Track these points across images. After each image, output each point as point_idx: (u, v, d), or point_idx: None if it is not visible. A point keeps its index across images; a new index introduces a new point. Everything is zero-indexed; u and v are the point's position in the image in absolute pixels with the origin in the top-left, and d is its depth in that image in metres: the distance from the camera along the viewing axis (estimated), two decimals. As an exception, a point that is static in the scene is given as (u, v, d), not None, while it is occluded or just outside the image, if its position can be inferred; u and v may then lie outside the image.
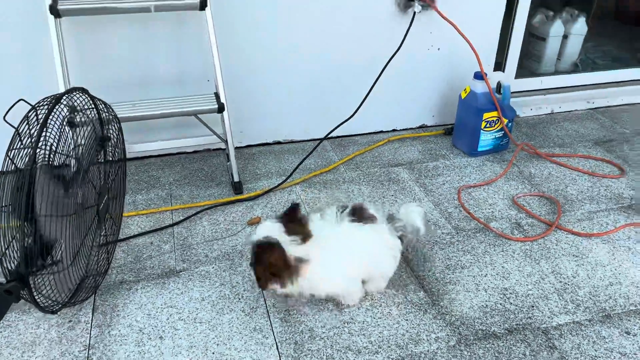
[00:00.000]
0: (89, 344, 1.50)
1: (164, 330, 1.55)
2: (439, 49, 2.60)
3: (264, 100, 2.48)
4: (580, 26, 3.36)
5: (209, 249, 1.89)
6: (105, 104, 1.63)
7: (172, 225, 2.01)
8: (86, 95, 1.57)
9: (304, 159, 2.40)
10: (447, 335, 1.54)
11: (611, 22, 3.92)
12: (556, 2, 3.53)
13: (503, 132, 2.50)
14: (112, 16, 2.09)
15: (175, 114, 2.06)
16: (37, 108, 1.43)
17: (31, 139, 1.40)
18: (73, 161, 1.50)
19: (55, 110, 1.40)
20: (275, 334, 1.54)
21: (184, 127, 2.40)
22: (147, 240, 1.93)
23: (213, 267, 1.80)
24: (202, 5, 1.97)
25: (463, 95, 2.48)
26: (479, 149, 2.50)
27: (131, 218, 2.05)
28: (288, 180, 2.29)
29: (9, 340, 1.51)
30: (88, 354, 1.47)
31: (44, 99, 1.45)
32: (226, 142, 2.18)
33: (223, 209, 2.12)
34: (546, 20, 3.39)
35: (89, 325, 1.56)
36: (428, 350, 1.49)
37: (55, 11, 1.84)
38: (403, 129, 2.78)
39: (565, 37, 3.36)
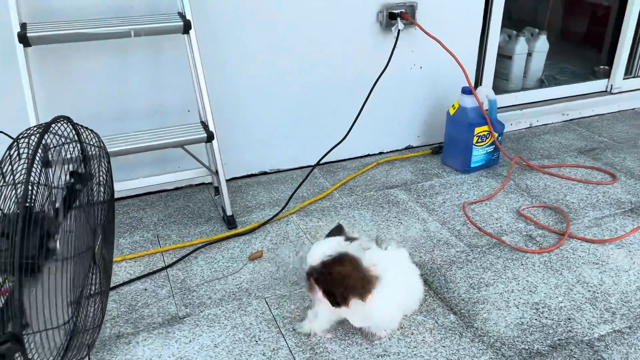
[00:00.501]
0: (92, 411, 1.29)
1: (177, 386, 1.36)
2: (421, 67, 2.57)
3: (247, 129, 2.36)
4: (542, 44, 3.44)
5: (212, 290, 1.71)
6: (93, 134, 1.46)
7: (165, 268, 1.82)
8: (70, 126, 1.39)
9: (298, 187, 2.27)
10: (491, 358, 1.42)
11: (559, 42, 4.06)
12: (514, 23, 3.62)
13: (494, 146, 2.46)
14: (84, 45, 1.93)
15: (161, 146, 1.89)
16: (19, 140, 1.25)
17: (13, 176, 1.21)
18: (56, 202, 1.31)
19: (43, 141, 1.22)
20: (305, 376, 1.38)
21: (163, 163, 2.23)
22: (139, 287, 1.73)
23: (220, 310, 1.62)
24: (187, 28, 1.85)
25: (452, 112, 2.44)
26: (472, 165, 2.45)
27: (117, 264, 1.84)
28: (283, 211, 2.15)
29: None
30: (92, 423, 1.26)
31: (27, 129, 1.27)
32: (216, 173, 2.03)
33: (219, 246, 1.95)
34: (509, 40, 3.46)
35: (88, 389, 1.35)
36: (475, 377, 1.37)
37: (24, 39, 1.67)
38: (390, 151, 2.71)
39: (529, 54, 3.44)
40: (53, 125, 1.29)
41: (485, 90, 2.42)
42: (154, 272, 1.80)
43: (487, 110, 2.42)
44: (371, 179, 2.44)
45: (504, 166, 2.52)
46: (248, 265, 1.84)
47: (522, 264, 1.80)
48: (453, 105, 2.44)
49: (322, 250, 1.34)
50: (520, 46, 3.37)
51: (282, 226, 2.06)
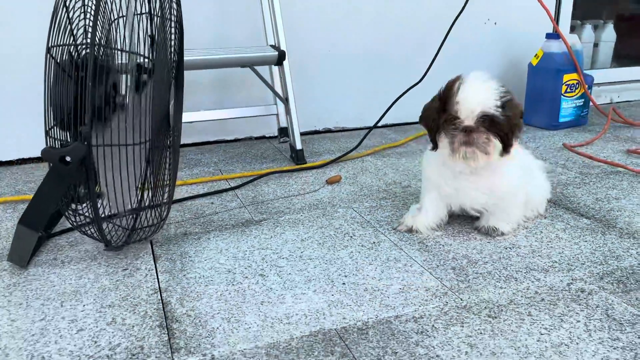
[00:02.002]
0: (159, 287, 1.03)
1: (262, 269, 1.09)
2: (495, 23, 2.40)
3: (311, 85, 2.18)
4: (608, 33, 3.27)
5: (289, 203, 1.47)
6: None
7: (233, 189, 1.59)
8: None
9: (370, 130, 2.04)
10: (652, 248, 1.13)
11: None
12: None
13: (583, 100, 2.23)
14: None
15: (229, 61, 1.72)
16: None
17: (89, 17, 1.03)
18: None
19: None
20: (419, 262, 1.10)
21: (224, 99, 2.05)
22: (205, 201, 1.50)
23: (302, 215, 1.37)
24: None
25: (534, 62, 2.23)
26: (560, 120, 2.20)
27: (178, 187, 1.62)
28: (359, 151, 1.93)
29: (38, 292, 1.02)
30: (161, 297, 1.00)
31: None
32: (286, 100, 1.83)
33: (290, 175, 1.71)
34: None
35: (154, 272, 1.10)
36: (638, 264, 1.07)
37: None
38: (462, 117, 2.48)
39: (595, 45, 3.27)
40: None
41: (571, 39, 2.22)
42: (221, 191, 1.57)
43: (573, 60, 2.20)
44: (448, 134, 2.21)
45: (595, 125, 2.27)
46: (326, 187, 1.59)
47: (652, 184, 1.52)
48: (536, 55, 2.23)
49: (488, 84, 1.09)
50: (587, 35, 3.21)
51: (357, 164, 1.83)
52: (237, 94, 2.07)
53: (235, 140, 2.17)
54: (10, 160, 1.88)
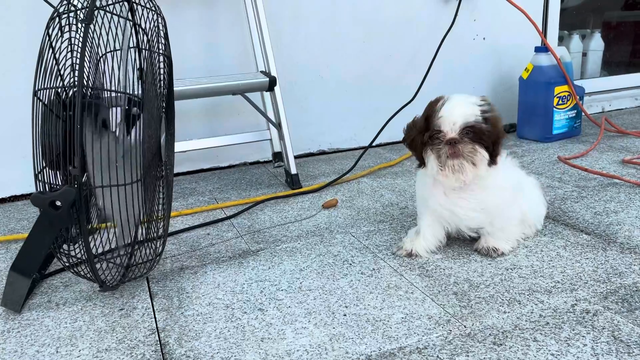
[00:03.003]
0: (157, 327, 1.01)
1: (261, 302, 1.07)
2: (484, 38, 2.41)
3: (304, 107, 2.17)
4: (596, 43, 3.29)
5: (286, 230, 1.45)
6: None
7: (229, 218, 1.58)
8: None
9: (365, 149, 2.04)
10: (655, 263, 1.12)
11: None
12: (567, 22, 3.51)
13: (575, 111, 2.23)
14: None
15: (220, 89, 1.72)
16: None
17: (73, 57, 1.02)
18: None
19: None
20: (420, 288, 1.09)
21: (217, 128, 2.04)
22: (201, 232, 1.49)
23: (299, 244, 1.35)
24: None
25: (525, 76, 2.24)
26: (554, 132, 2.21)
27: (173, 219, 1.60)
28: (354, 172, 1.92)
29: (33, 338, 1.00)
30: (159, 337, 0.98)
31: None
32: (279, 126, 1.82)
33: (285, 201, 1.70)
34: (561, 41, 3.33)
35: (151, 310, 1.08)
36: (642, 281, 1.06)
37: None
38: (456, 132, 2.48)
39: (584, 54, 3.29)
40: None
41: (560, 51, 2.23)
42: (216, 221, 1.55)
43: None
44: (442, 151, 2.20)
45: (588, 135, 2.27)
46: (323, 212, 1.58)
47: (650, 195, 1.52)
48: (526, 69, 2.24)
49: (469, 99, 1.10)
50: (575, 45, 3.23)
51: (353, 185, 1.82)
52: (229, 121, 2.06)
53: (230, 166, 2.16)
54: (2, 198, 1.86)
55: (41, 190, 0.89)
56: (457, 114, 1.08)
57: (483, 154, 1.09)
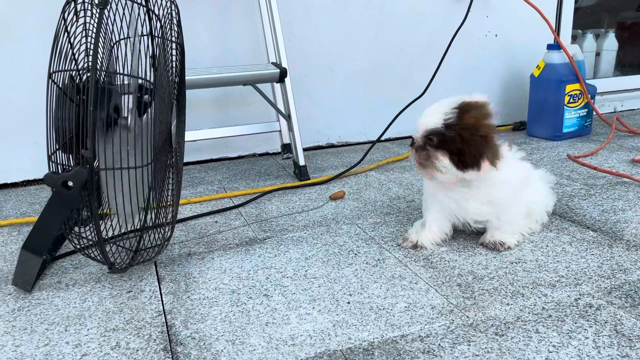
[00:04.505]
0: (164, 309, 1.03)
1: (267, 289, 1.09)
2: (496, 35, 2.41)
3: (314, 100, 2.18)
4: (610, 42, 3.27)
5: (293, 220, 1.46)
6: None
7: (237, 207, 1.59)
8: None
9: (374, 143, 2.05)
10: (660, 261, 1.12)
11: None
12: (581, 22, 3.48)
13: (586, 110, 2.22)
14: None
15: (231, 79, 1.73)
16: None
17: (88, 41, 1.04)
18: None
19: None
20: (424, 279, 1.10)
21: (227, 119, 2.05)
22: (209, 220, 1.50)
23: (306, 233, 1.37)
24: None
25: (536, 73, 2.23)
26: (564, 130, 2.20)
27: (182, 206, 1.62)
28: (362, 166, 1.93)
29: (43, 316, 1.02)
30: (165, 319, 0.99)
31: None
32: (288, 117, 1.83)
33: (293, 192, 1.71)
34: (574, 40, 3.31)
35: (158, 293, 1.09)
36: (647, 277, 1.06)
37: None
38: (466, 129, 2.48)
39: (597, 54, 3.26)
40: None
41: (572, 49, 2.22)
42: (225, 210, 1.57)
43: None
44: (451, 147, 2.20)
45: (599, 135, 2.26)
46: (330, 203, 1.59)
47: (658, 194, 1.51)
48: (537, 66, 2.23)
49: (441, 106, 1.11)
50: (588, 44, 3.21)
51: (361, 178, 1.83)
52: (239, 112, 2.08)
53: (239, 157, 2.18)
54: (14, 182, 1.88)
55: (54, 171, 0.91)
56: (421, 121, 1.12)
57: (443, 160, 1.10)
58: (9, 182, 1.88)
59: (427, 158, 1.11)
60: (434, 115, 1.10)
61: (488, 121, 1.10)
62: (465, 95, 1.13)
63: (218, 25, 1.99)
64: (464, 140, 1.07)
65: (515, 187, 1.18)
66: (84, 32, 1.06)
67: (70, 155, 1.06)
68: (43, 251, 1.05)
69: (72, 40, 1.04)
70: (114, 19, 1.03)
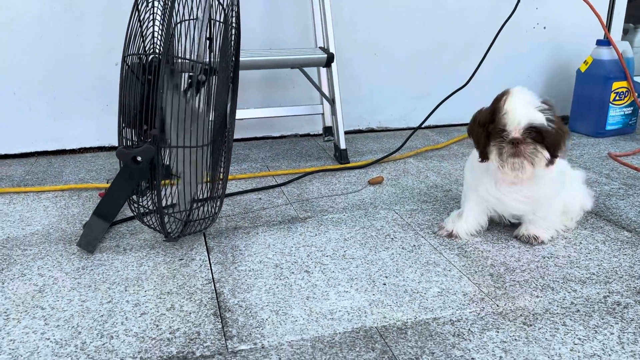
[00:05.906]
0: (213, 278, 1.11)
1: (308, 265, 1.16)
2: (545, 27, 2.39)
3: (357, 85, 2.22)
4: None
5: (332, 202, 1.53)
6: None
7: (279, 185, 1.67)
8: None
9: (414, 130, 2.09)
10: (692, 265, 1.14)
11: None
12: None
13: (632, 108, 2.20)
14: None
15: (279, 62, 1.79)
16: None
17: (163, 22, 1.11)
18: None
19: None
20: (457, 267, 1.15)
21: (272, 100, 2.12)
22: (254, 197, 1.58)
23: (345, 215, 1.43)
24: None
25: (583, 69, 2.22)
26: (607, 127, 2.19)
27: (229, 182, 1.70)
28: (401, 152, 1.97)
29: (105, 276, 1.12)
30: (215, 287, 1.08)
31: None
32: (333, 101, 1.89)
33: (333, 174, 1.78)
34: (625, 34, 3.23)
35: (207, 262, 1.18)
36: (677, 280, 1.09)
37: None
38: (506, 120, 2.48)
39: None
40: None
41: (622, 46, 2.19)
42: (268, 187, 1.65)
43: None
44: (491, 138, 2.22)
45: (642, 134, 2.24)
46: (368, 187, 1.65)
47: (698, 199, 1.51)
48: (585, 62, 2.22)
49: (528, 100, 1.13)
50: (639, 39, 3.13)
51: (399, 165, 1.88)
52: (285, 93, 2.14)
53: (281, 137, 2.25)
54: (73, 149, 2.01)
55: (124, 145, 0.99)
56: (522, 113, 1.10)
57: (544, 155, 1.12)
58: (68, 148, 2.00)
59: (524, 152, 1.13)
60: (534, 107, 1.11)
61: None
62: (512, 87, 1.16)
63: (268, 8, 2.05)
64: (560, 135, 1.12)
65: (556, 185, 1.21)
66: (151, 16, 1.13)
67: (133, 131, 1.14)
68: (112, 217, 1.14)
69: (142, 26, 1.12)
70: (185, 3, 1.10)
